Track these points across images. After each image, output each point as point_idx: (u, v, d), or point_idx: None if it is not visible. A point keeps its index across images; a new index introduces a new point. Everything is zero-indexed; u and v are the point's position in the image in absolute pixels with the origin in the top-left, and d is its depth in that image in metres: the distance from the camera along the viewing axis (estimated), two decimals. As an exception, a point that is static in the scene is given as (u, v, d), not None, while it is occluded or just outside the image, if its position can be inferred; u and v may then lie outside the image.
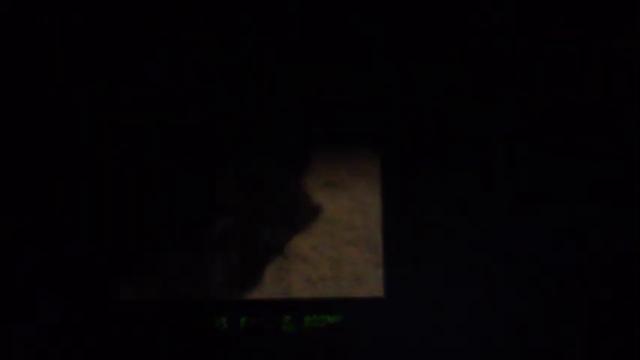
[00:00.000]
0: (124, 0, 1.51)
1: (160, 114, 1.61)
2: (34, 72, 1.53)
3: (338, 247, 1.58)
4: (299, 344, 1.54)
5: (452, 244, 1.54)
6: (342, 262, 1.57)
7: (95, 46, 1.54)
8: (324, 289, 1.57)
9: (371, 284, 1.57)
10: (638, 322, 1.47)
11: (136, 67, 1.55)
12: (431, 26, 1.57)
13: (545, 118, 1.54)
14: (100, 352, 1.56)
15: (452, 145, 1.55)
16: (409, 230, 1.56)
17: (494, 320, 1.52)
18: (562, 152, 1.52)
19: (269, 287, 1.57)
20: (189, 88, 1.60)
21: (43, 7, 1.44)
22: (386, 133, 1.57)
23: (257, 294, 1.57)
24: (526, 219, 1.52)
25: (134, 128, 1.58)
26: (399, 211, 1.57)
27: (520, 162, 1.53)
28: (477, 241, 1.54)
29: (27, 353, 1.54)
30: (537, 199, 1.52)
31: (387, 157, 1.57)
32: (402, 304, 1.55)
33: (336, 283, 1.57)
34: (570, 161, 1.51)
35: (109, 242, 1.59)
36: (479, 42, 1.55)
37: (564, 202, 1.51)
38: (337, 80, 1.58)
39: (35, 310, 1.55)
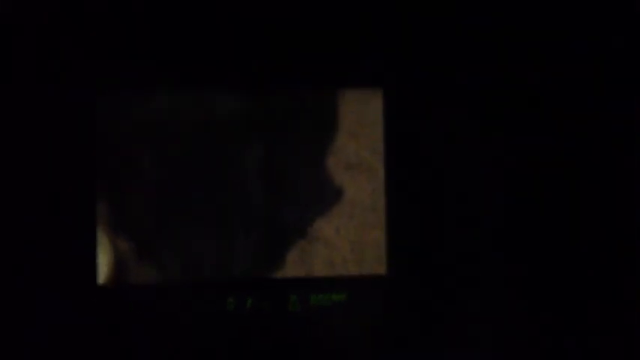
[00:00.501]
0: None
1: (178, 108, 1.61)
2: (34, 72, 1.54)
3: (360, 230, 1.58)
4: (305, 323, 1.55)
5: (456, 237, 1.54)
6: (365, 244, 1.57)
7: (96, 46, 1.54)
8: (345, 272, 1.57)
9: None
10: (638, 322, 1.46)
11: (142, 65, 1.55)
12: (432, 28, 1.56)
13: (545, 116, 1.53)
14: (103, 333, 1.57)
15: (454, 144, 1.54)
16: (414, 215, 1.56)
17: (498, 320, 1.52)
18: (563, 151, 1.50)
19: (290, 269, 1.57)
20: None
21: (43, 7, 1.44)
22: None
23: (278, 275, 1.58)
24: (530, 219, 1.51)
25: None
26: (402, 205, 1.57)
27: (522, 162, 1.52)
28: (481, 237, 1.53)
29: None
30: (540, 198, 1.51)
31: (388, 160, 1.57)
32: (408, 283, 1.55)
33: (358, 265, 1.57)
34: (571, 160, 1.50)
35: (130, 228, 1.61)
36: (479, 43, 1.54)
37: (567, 202, 1.50)
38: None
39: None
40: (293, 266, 1.57)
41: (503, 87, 1.57)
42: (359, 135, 1.58)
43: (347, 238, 1.57)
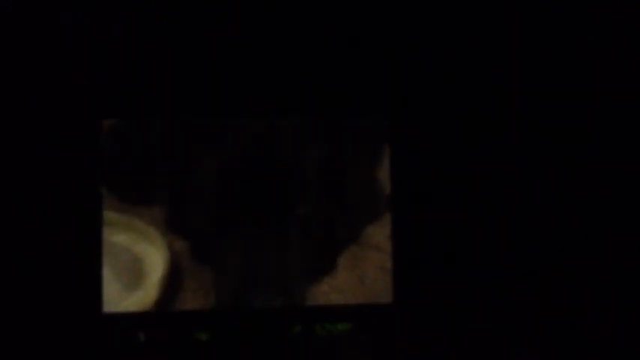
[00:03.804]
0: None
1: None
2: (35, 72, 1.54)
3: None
4: (310, 353, 1.56)
5: (463, 253, 1.54)
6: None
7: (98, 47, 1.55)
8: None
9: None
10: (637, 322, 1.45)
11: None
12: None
13: (547, 117, 1.53)
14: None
15: (460, 173, 1.55)
16: (420, 239, 1.56)
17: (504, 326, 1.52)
18: (566, 151, 1.50)
19: (343, 274, 1.59)
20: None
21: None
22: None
23: (331, 280, 1.59)
24: (538, 252, 1.51)
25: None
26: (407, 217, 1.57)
27: (530, 191, 1.53)
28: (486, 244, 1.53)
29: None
30: (544, 199, 1.51)
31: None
32: (413, 311, 1.55)
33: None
34: (574, 160, 1.50)
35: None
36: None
37: (571, 203, 1.49)
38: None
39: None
40: (344, 271, 1.58)
41: (509, 120, 1.57)
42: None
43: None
